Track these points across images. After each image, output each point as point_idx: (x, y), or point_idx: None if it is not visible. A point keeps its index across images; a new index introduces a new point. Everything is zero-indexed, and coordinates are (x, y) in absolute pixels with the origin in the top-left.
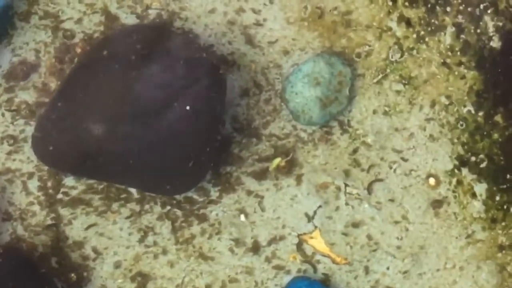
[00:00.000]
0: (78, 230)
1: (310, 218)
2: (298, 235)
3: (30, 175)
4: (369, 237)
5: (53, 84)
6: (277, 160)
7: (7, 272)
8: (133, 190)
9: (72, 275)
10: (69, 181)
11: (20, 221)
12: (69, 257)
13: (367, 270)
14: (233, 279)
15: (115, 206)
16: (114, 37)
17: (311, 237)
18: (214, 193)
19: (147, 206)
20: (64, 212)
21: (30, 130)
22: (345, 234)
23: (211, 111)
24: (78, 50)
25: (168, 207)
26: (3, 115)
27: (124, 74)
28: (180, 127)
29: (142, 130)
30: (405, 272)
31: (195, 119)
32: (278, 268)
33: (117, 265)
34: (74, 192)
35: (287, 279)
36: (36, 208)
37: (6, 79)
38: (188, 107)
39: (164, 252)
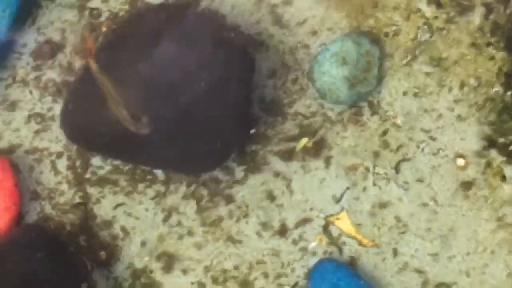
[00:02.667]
0: (106, 209)
1: (337, 200)
2: (325, 217)
3: (59, 155)
4: (397, 218)
5: (78, 63)
6: (304, 140)
7: (35, 251)
8: (158, 172)
9: (102, 253)
10: (96, 161)
11: (48, 200)
12: (98, 236)
13: (395, 252)
14: (260, 261)
15: (140, 187)
16: (140, 16)
17: (338, 219)
18: (239, 173)
19: (172, 187)
20: (92, 191)
21: (57, 108)
22: (372, 215)
23: (239, 90)
24: (104, 29)
25: (194, 186)
26: (31, 92)
27: (150, 53)
28: (207, 106)
29: (169, 110)
30: (434, 254)
31: (222, 99)
32: (305, 250)
33: (144, 244)
34: (101, 172)
35: (313, 261)
36: (65, 187)
37: (34, 57)
38: (214, 86)
39: (190, 233)
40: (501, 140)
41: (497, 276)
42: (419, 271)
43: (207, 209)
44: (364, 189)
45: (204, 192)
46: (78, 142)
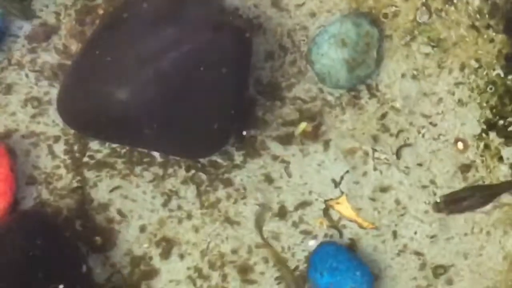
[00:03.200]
0: (103, 193)
1: (337, 184)
2: (325, 201)
3: (56, 139)
4: (397, 201)
5: (74, 46)
6: (303, 125)
7: (31, 236)
8: (156, 154)
9: (97, 238)
10: (94, 145)
11: (45, 184)
12: (94, 220)
13: (395, 234)
14: (259, 245)
15: (137, 170)
16: None
17: (338, 203)
18: (238, 158)
19: (170, 170)
20: (90, 175)
21: (54, 92)
22: (372, 199)
23: (236, 74)
24: (100, 12)
25: (193, 171)
26: (27, 76)
27: (147, 36)
28: (205, 89)
29: (166, 93)
30: (432, 236)
31: (220, 82)
32: (305, 233)
33: (142, 229)
34: (99, 156)
35: (313, 244)
36: (62, 171)
37: (28, 40)
38: (211, 69)
39: (189, 216)
40: (501, 122)
41: (493, 258)
42: (418, 253)
43: (206, 192)
44: (364, 173)
45: (204, 176)
46: (75, 126)
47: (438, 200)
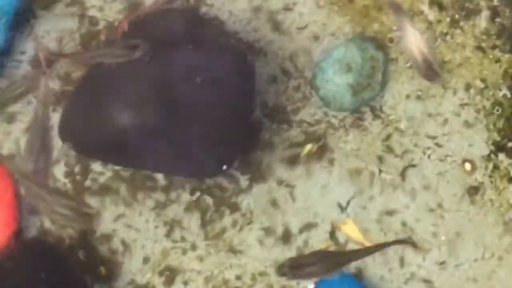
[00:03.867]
0: (106, 222)
1: (343, 207)
2: (331, 223)
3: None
4: (404, 224)
5: (76, 73)
6: (308, 146)
7: (35, 266)
8: (159, 176)
9: (102, 268)
10: (96, 167)
11: None
12: (97, 251)
13: (402, 261)
14: (262, 272)
15: (140, 196)
16: (140, 23)
17: (344, 225)
18: (244, 182)
19: (173, 195)
20: (93, 202)
21: (57, 117)
22: (379, 222)
23: (240, 97)
24: (102, 37)
25: (198, 194)
26: (29, 102)
27: (149, 60)
28: (209, 114)
29: (169, 118)
30: (441, 263)
31: (224, 106)
32: None
33: (146, 260)
34: (101, 179)
35: None
36: None
37: (32, 66)
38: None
39: (193, 247)
40: (510, 144)
41: (504, 283)
42: (426, 281)
43: (211, 221)
44: (371, 196)
45: (210, 200)
46: (77, 151)
47: (283, 264)
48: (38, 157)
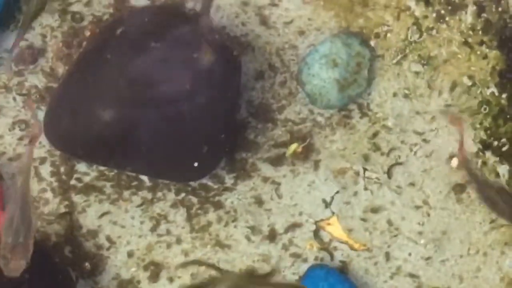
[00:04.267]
0: (92, 219)
1: (327, 204)
2: (315, 222)
3: (43, 160)
4: (389, 222)
5: (61, 69)
6: (293, 146)
7: None
8: (144, 178)
9: (87, 264)
10: (81, 167)
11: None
12: (83, 246)
13: (387, 256)
14: (250, 268)
15: (126, 194)
16: (124, 19)
17: (329, 224)
18: (229, 180)
19: (159, 194)
20: (78, 199)
21: (41, 114)
22: (364, 220)
23: (225, 95)
24: (88, 34)
25: (183, 194)
26: (14, 99)
27: (134, 57)
28: (193, 111)
29: (153, 115)
30: (427, 258)
31: (208, 104)
32: (295, 256)
33: (130, 254)
34: (87, 179)
35: (304, 267)
36: (49, 195)
37: (15, 62)
38: (199, 90)
39: (178, 241)
40: (495, 143)
41: (490, 280)
42: (412, 276)
43: (196, 215)
44: (355, 193)
45: (194, 200)
46: (62, 148)
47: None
48: (18, 230)
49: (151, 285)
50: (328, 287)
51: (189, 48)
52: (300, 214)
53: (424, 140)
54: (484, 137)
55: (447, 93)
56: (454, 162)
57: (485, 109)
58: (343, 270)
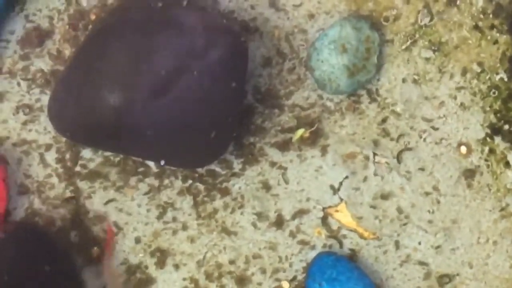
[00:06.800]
0: (98, 205)
1: (335, 191)
2: (323, 209)
3: (48, 147)
4: (399, 210)
5: (68, 51)
6: (300, 131)
7: (22, 249)
8: (151, 163)
9: (95, 248)
10: (86, 153)
11: (38, 194)
12: (91, 231)
13: (397, 244)
14: (256, 255)
15: (132, 180)
16: (129, 3)
17: (337, 211)
18: (237, 165)
19: (166, 181)
20: (83, 185)
21: (46, 99)
22: (373, 207)
23: (232, 81)
24: (93, 17)
25: (190, 181)
26: (18, 84)
27: (140, 41)
28: (201, 97)
29: (160, 100)
30: (437, 247)
31: (216, 89)
32: (303, 243)
33: (138, 241)
34: (92, 165)
35: (312, 254)
36: (55, 180)
37: (21, 45)
38: (206, 76)
39: (184, 227)
40: (506, 127)
41: (499, 267)
42: (422, 263)
43: (203, 203)
44: (365, 178)
45: (201, 187)
46: (67, 134)
47: None
48: None
49: (158, 270)
50: (336, 275)
51: (194, 34)
52: (308, 200)
53: (433, 127)
54: (494, 121)
55: (458, 78)
56: (464, 149)
57: (494, 93)
58: (352, 258)
